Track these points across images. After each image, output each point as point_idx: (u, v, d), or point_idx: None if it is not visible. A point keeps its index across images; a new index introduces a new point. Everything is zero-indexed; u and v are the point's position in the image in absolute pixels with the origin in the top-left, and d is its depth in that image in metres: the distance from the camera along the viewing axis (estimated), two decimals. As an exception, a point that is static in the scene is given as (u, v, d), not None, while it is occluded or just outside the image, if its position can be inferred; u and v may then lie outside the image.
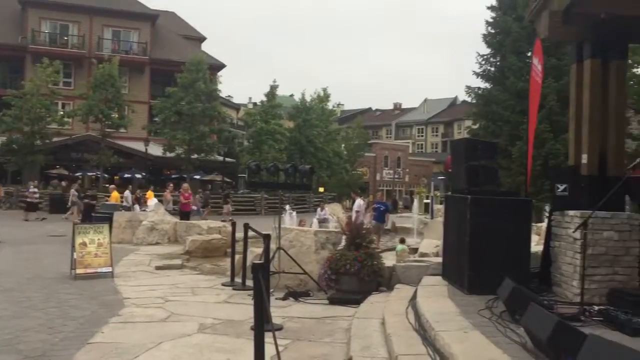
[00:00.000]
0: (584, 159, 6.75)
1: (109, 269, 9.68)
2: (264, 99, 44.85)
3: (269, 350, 4.10)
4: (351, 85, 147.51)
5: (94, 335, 5.99)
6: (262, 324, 4.11)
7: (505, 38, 23.64)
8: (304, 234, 9.37)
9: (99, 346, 5.63)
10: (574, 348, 3.66)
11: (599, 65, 6.75)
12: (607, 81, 6.76)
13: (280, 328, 6.23)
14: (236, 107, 56.96)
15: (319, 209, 21.92)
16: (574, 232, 6.26)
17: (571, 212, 6.64)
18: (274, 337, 3.97)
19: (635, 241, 6.48)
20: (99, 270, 9.57)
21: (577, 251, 6.24)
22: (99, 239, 9.78)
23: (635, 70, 19.91)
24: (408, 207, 42.13)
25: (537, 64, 8.47)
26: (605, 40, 6.72)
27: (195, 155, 36.10)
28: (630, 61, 17.24)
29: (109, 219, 13.75)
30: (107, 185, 27.13)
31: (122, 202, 20.78)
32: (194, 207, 26.79)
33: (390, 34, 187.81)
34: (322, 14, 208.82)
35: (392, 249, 13.78)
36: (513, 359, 4.21)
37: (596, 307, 5.67)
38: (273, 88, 44.45)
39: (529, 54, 21.78)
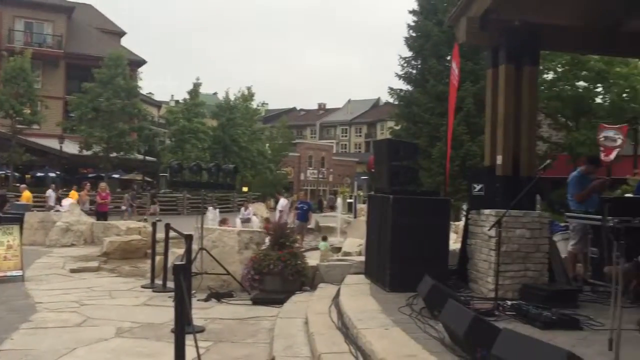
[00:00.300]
0: (499, 160, 7.03)
1: (20, 273, 9.17)
2: (187, 96, 43.99)
3: (190, 352, 4.01)
4: (276, 85, 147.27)
5: (2, 342, 5.64)
6: (182, 326, 4.01)
7: (426, 42, 24.29)
8: (227, 234, 9.25)
9: (7, 354, 5.31)
10: (488, 342, 3.79)
11: (512, 70, 7.04)
12: (520, 86, 7.07)
13: (202, 330, 6.12)
14: (157, 105, 55.51)
15: (242, 209, 21.74)
16: (489, 230, 6.50)
17: (487, 211, 6.90)
18: (195, 340, 3.89)
19: (544, 238, 6.82)
20: (8, 274, 9.04)
21: (492, 248, 6.48)
22: (8, 241, 9.24)
23: (545, 76, 20.95)
24: (333, 207, 42.52)
25: (454, 68, 8.77)
26: (519, 46, 7.02)
27: (114, 154, 34.90)
28: (541, 67, 18.14)
29: (19, 220, 13.04)
30: (17, 185, 25.74)
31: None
32: (124, 207, 25.97)
33: (315, 35, 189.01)
34: (246, 13, 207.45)
35: (316, 248, 13.88)
36: (432, 354, 4.31)
37: (509, 302, 5.92)
38: (196, 86, 43.67)
39: (449, 58, 22.50)
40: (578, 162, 11.59)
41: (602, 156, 15.76)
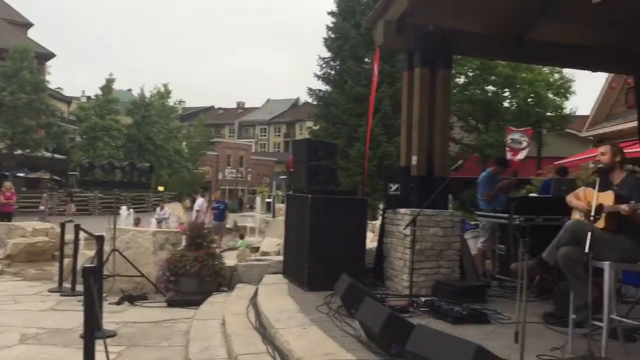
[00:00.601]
0: (414, 160, 7.20)
1: None
2: (99, 92, 42.33)
3: (101, 358, 3.86)
4: (194, 84, 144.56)
5: None
6: (92, 331, 3.84)
7: (345, 43, 24.59)
8: (142, 234, 8.97)
9: None
10: (403, 337, 3.88)
11: (427, 73, 7.23)
12: (434, 89, 7.27)
13: (113, 334, 5.89)
14: (67, 101, 53.03)
15: (158, 209, 21.18)
16: (404, 229, 6.66)
17: (402, 210, 7.06)
18: (105, 345, 3.74)
19: (456, 236, 7.07)
20: None
21: (407, 247, 6.64)
22: None
23: (457, 79, 21.74)
24: (253, 207, 42.27)
25: (375, 69, 8.94)
26: (433, 50, 7.23)
27: (19, 151, 33.04)
28: (453, 71, 18.80)
29: None
30: None
31: None
32: (42, 207, 24.57)
33: (235, 34, 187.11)
34: (163, 9, 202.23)
35: (234, 248, 13.74)
36: (348, 352, 4.36)
37: (423, 299, 6.09)
38: (109, 82, 42.17)
39: (367, 60, 22.91)
40: (487, 163, 12.09)
41: (509, 157, 16.57)
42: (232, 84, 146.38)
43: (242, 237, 13.37)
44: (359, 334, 4.81)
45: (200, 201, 18.10)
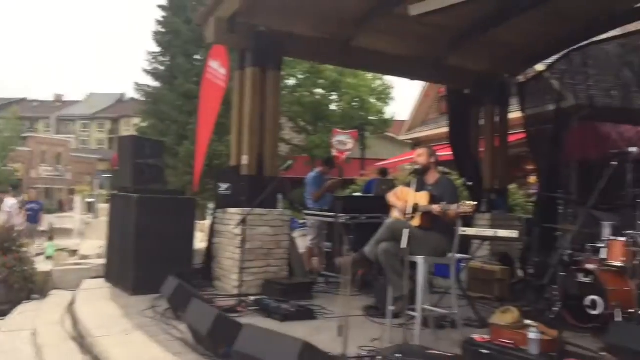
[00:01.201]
0: (244, 160, 7.20)
1: None
2: None
3: None
4: (4, 73, 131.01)
5: None
6: None
7: (175, 39, 23.89)
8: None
9: None
10: (231, 338, 3.85)
11: (258, 73, 7.28)
12: (265, 89, 7.35)
13: None
14: None
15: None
16: (234, 228, 6.64)
17: (232, 210, 7.03)
18: None
19: (285, 235, 7.20)
20: None
21: (237, 246, 6.62)
22: None
23: (287, 81, 22.22)
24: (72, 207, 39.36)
25: (218, 68, 8.77)
26: (265, 51, 7.29)
27: None
28: (284, 73, 19.17)
29: None
30: None
31: None
32: None
33: (50, 24, 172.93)
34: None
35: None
36: (175, 355, 4.23)
37: (252, 298, 6.11)
38: None
39: (198, 57, 22.46)
40: (315, 163, 12.50)
41: (335, 158, 17.32)
42: (49, 75, 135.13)
43: (51, 239, 12.39)
44: (186, 337, 4.69)
45: (10, 201, 16.42)
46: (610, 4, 7.70)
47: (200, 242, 9.29)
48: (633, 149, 4.12)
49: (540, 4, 7.32)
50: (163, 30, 25.05)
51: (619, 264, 5.47)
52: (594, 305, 5.39)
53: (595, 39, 8.01)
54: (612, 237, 5.69)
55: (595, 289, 5.41)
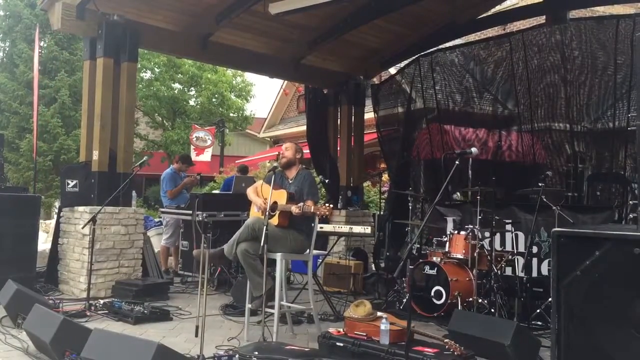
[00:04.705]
0: (95, 155, 6.82)
1: None
2: None
3: None
4: None
5: None
6: None
7: (17, 23, 22.00)
8: None
9: None
10: (79, 344, 3.62)
11: (111, 64, 6.91)
12: (118, 81, 7.00)
13: None
14: None
15: None
16: (83, 227, 6.26)
17: (81, 208, 6.63)
18: None
19: (139, 234, 6.92)
20: None
21: (86, 247, 6.28)
22: None
23: (143, 74, 21.37)
24: None
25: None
26: (118, 41, 6.94)
27: None
28: (139, 65, 18.42)
29: None
30: None
31: None
32: None
33: None
34: None
35: None
36: (13, 368, 3.90)
37: (102, 301, 5.79)
38: None
39: (42, 44, 20.89)
40: (173, 160, 12.17)
41: (194, 155, 16.98)
42: None
43: None
44: (26, 345, 4.33)
45: None
46: (453, 14, 8.32)
47: (44, 243, 8.67)
48: (473, 150, 4.46)
49: (394, 10, 7.74)
50: (2, 13, 22.96)
51: (460, 256, 5.93)
52: (438, 295, 5.79)
53: (441, 46, 8.61)
54: (454, 231, 6.16)
55: (440, 280, 5.82)
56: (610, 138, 6.54)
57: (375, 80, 10.29)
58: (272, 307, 4.62)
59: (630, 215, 5.72)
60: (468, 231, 5.97)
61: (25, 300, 4.93)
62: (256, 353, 3.71)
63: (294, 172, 5.19)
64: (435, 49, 8.49)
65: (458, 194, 7.95)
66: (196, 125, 19.16)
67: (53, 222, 9.21)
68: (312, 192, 5.00)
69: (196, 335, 4.51)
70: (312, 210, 4.67)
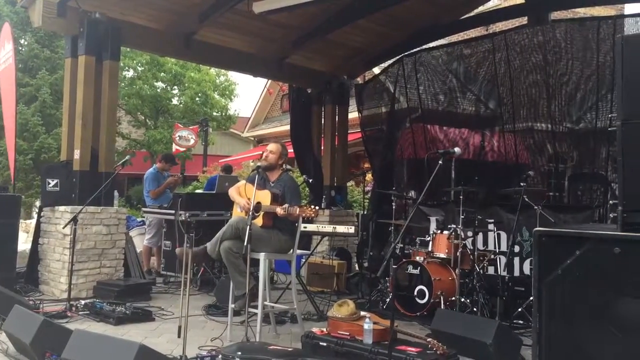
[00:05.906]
0: (77, 154, 6.75)
1: None
2: None
3: None
4: None
5: None
6: None
7: (-4, 20, 21.72)
8: None
9: None
10: (59, 345, 3.59)
11: (93, 62, 6.84)
12: (100, 79, 6.93)
13: None
14: None
15: None
16: (64, 227, 6.20)
17: (62, 208, 6.56)
18: None
19: (121, 234, 6.86)
20: None
21: (67, 247, 6.21)
22: None
23: (126, 73, 21.17)
24: None
25: (4, 45, 8.13)
26: (100, 39, 6.87)
27: None
28: (122, 64, 18.25)
29: None
30: None
31: None
32: None
33: None
34: None
35: None
36: (-8, 370, 3.84)
37: (83, 302, 5.73)
38: None
39: (23, 42, 20.62)
40: (155, 159, 12.08)
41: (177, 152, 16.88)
42: None
43: None
44: (6, 347, 4.27)
45: None
46: (436, 15, 8.37)
47: (24, 243, 8.57)
48: (456, 149, 4.48)
49: (378, 10, 7.75)
50: (-19, 10, 22.63)
51: (443, 255, 5.96)
52: (421, 294, 5.81)
53: (425, 46, 8.65)
54: (437, 231, 6.19)
55: (423, 279, 5.84)
56: (591, 138, 6.60)
57: (359, 80, 10.30)
58: (256, 307, 4.61)
59: (611, 215, 5.78)
60: (451, 231, 6.00)
61: (4, 301, 4.87)
62: (239, 353, 3.69)
63: (276, 175, 5.17)
64: (418, 49, 8.52)
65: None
66: (179, 124, 19.04)
67: (33, 222, 9.10)
68: (294, 200, 4.96)
69: (179, 336, 4.48)
70: (297, 213, 4.66)
